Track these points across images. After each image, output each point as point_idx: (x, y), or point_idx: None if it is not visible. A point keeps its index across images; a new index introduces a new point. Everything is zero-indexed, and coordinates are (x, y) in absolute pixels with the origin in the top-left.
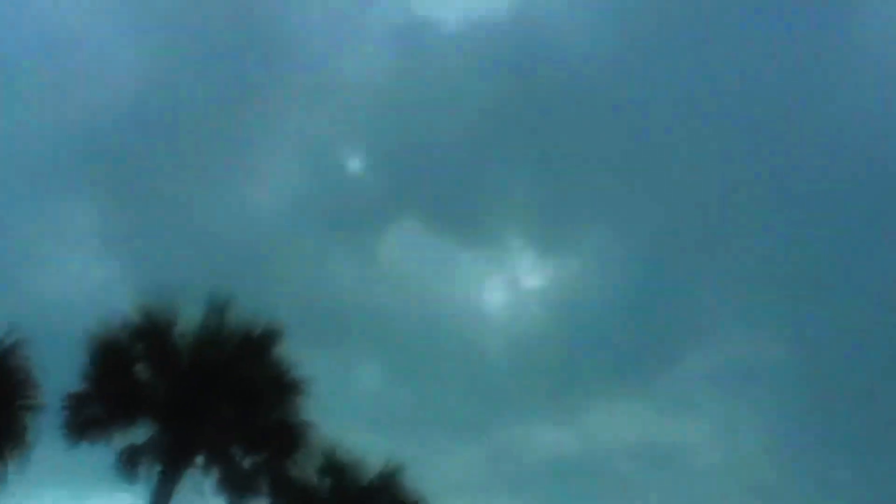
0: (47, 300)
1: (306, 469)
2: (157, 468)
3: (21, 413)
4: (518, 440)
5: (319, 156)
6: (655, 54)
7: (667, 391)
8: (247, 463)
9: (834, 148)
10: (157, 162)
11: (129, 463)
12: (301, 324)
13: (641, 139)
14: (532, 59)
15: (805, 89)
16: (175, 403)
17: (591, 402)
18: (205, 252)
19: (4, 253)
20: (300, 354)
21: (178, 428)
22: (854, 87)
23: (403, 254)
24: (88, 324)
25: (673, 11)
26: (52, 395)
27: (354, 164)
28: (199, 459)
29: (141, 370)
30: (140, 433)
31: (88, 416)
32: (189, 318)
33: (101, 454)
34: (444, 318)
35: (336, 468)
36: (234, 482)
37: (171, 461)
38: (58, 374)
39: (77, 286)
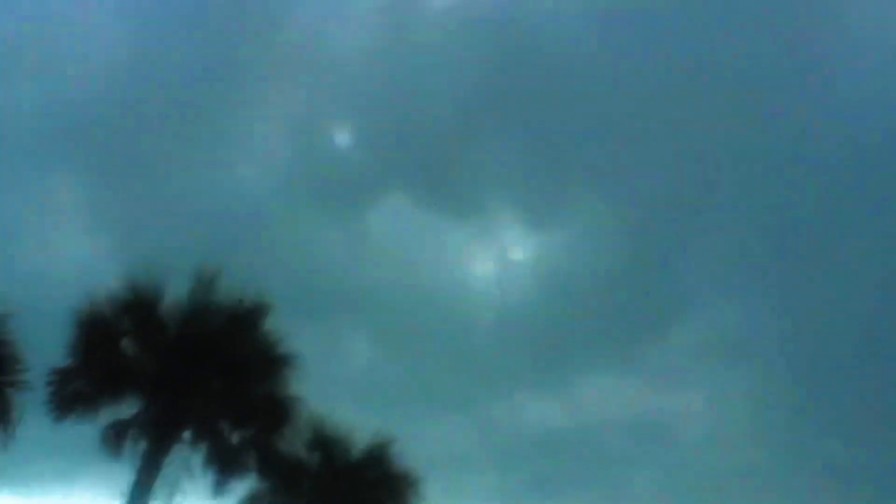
0: (34, 275)
1: (295, 444)
2: (144, 444)
3: (5, 390)
4: (507, 413)
5: (307, 130)
6: (645, 24)
7: (656, 364)
8: (235, 438)
9: (821, 117)
10: (145, 137)
11: (115, 438)
12: (289, 298)
13: (630, 111)
14: (520, 32)
15: (790, 57)
16: (162, 378)
17: (580, 375)
18: (193, 227)
19: None
20: (288, 329)
21: (165, 403)
22: (841, 54)
23: (392, 228)
24: (75, 299)
25: None
26: (38, 372)
27: (343, 139)
28: (187, 435)
29: (128, 345)
30: (126, 408)
31: (74, 392)
32: (177, 292)
33: (87, 430)
34: (433, 291)
35: (325, 443)
36: (221, 457)
37: (157, 436)
38: (44, 350)
39: (64, 261)
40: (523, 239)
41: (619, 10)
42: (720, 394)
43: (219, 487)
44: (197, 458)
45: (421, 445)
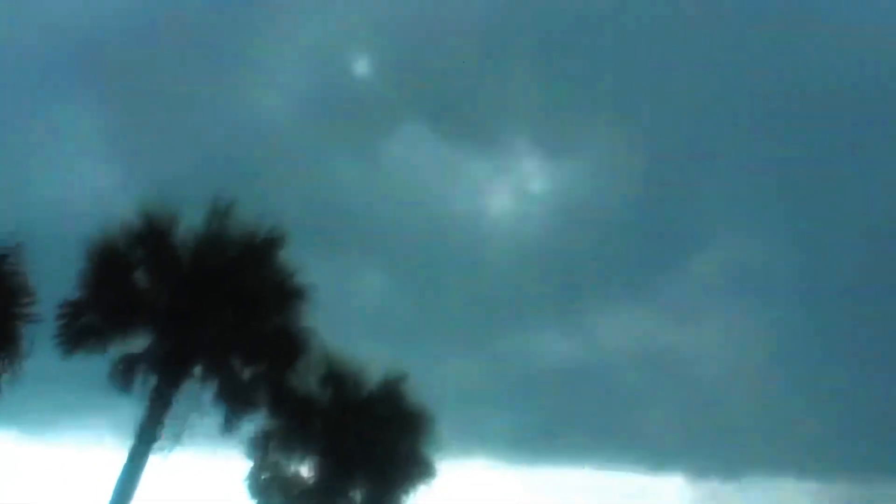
0: (47, 204)
1: (307, 380)
2: (154, 379)
3: (14, 322)
4: (521, 349)
5: (325, 58)
6: None
7: (671, 298)
8: (246, 373)
9: (834, 55)
10: (161, 65)
11: (124, 373)
12: (304, 229)
13: (647, 42)
14: None
15: None
16: (174, 311)
17: (596, 309)
18: (209, 156)
19: (4, 156)
20: (302, 261)
21: (176, 337)
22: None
23: (408, 158)
24: (88, 228)
25: None
26: (50, 303)
27: (360, 67)
28: (197, 370)
29: (140, 277)
30: (137, 342)
31: (84, 325)
32: (190, 223)
33: (96, 364)
34: (448, 223)
35: (337, 378)
36: (232, 393)
37: (168, 371)
38: (56, 281)
39: (79, 190)
40: (540, 171)
41: None
42: (736, 328)
43: (229, 424)
44: (207, 393)
45: (434, 380)
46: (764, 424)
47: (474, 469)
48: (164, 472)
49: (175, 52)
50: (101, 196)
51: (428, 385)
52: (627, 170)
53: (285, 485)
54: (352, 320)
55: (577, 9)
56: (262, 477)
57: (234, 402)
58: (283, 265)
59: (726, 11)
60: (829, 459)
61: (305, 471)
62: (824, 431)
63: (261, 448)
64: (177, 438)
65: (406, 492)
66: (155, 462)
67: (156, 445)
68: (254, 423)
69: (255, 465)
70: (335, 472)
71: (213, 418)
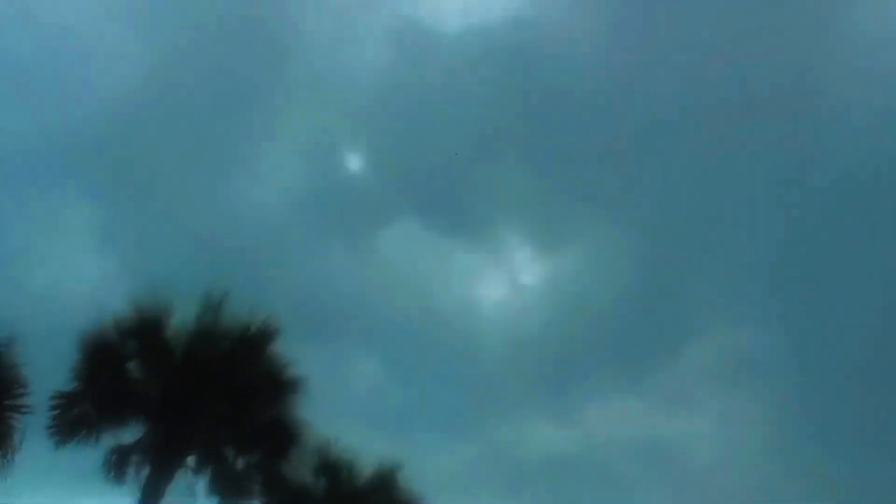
0: (40, 296)
1: (301, 469)
2: (147, 469)
3: (7, 413)
4: (515, 438)
5: (318, 153)
6: (653, 53)
7: (665, 386)
8: (240, 463)
9: (829, 143)
10: (156, 158)
11: (118, 463)
12: (298, 321)
13: (638, 136)
14: (529, 59)
15: (802, 86)
16: (167, 401)
17: (589, 398)
18: (203, 249)
19: None
20: (296, 352)
21: (169, 427)
22: (850, 82)
23: (401, 251)
24: (81, 321)
25: (671, 13)
26: (43, 395)
27: (353, 163)
28: (191, 459)
29: (133, 368)
30: (130, 433)
31: (77, 415)
32: (183, 315)
33: (89, 455)
34: (442, 315)
35: (331, 468)
36: (226, 483)
37: (161, 461)
38: (51, 373)
39: (72, 283)
40: (533, 263)
41: (632, 37)
42: (730, 415)
43: None
44: (201, 483)
45: (429, 470)
46: None
47: None
48: None
49: (169, 146)
50: (95, 288)
51: (422, 473)
52: (619, 260)
53: None
54: (346, 409)
55: (566, 103)
56: None
57: (228, 493)
58: (277, 356)
59: (714, 108)
60: None
61: None
62: None
63: None
64: None
65: None
66: None
67: None
68: None
69: None
70: None
71: None
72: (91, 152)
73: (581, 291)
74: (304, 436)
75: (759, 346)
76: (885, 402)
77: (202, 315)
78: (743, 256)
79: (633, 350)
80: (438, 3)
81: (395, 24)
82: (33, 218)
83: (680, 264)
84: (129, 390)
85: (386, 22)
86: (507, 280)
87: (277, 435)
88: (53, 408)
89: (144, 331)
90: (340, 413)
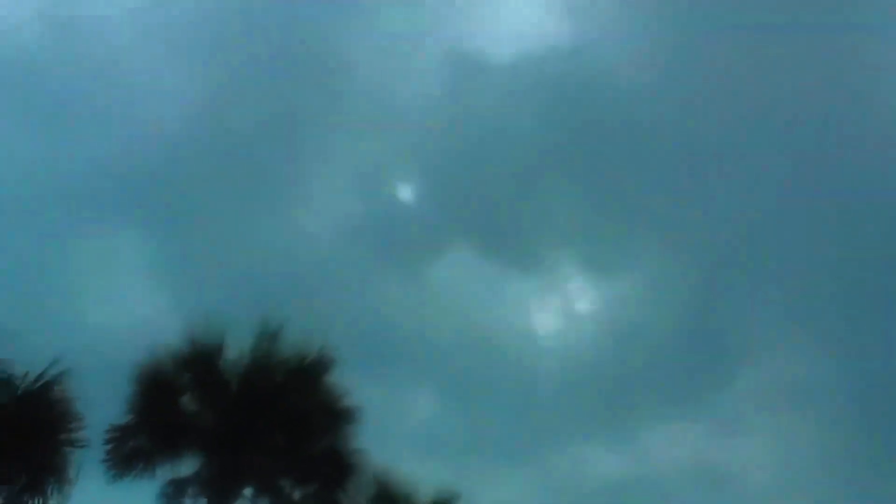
0: (96, 331)
1: (358, 499)
2: (204, 501)
3: (62, 447)
4: (572, 464)
5: (372, 183)
6: (706, 78)
7: (721, 411)
8: (297, 494)
9: (883, 161)
10: (209, 190)
11: (173, 496)
12: (354, 351)
13: (691, 161)
14: (580, 87)
15: (857, 107)
16: (222, 434)
17: (646, 424)
18: (257, 281)
19: (54, 284)
20: (352, 382)
21: (225, 459)
22: None
23: (456, 280)
24: (136, 354)
25: (724, 37)
26: (98, 429)
27: (406, 192)
28: (248, 491)
29: (188, 401)
30: (186, 466)
31: (132, 449)
32: (238, 346)
33: (145, 488)
34: (497, 343)
35: (388, 498)
36: None
37: (218, 493)
38: (104, 406)
39: (126, 317)
40: (587, 290)
41: (684, 61)
42: (785, 440)
43: None
44: None
45: (486, 498)
46: None
47: None
48: None
49: (221, 179)
50: (149, 322)
51: (479, 502)
52: (674, 286)
53: None
54: (402, 439)
55: (618, 129)
56: None
57: None
58: (333, 387)
59: (769, 129)
60: None
61: None
62: None
63: None
64: None
65: None
66: None
67: None
68: None
69: None
70: None
71: None
72: (143, 186)
73: (636, 318)
74: (360, 466)
75: (813, 369)
76: None
77: (257, 346)
78: (797, 280)
79: (688, 376)
80: (489, 33)
81: (447, 55)
82: (87, 253)
83: (734, 288)
84: (184, 422)
85: (438, 52)
86: (561, 308)
87: (334, 465)
88: (108, 441)
89: (199, 363)
90: (397, 443)
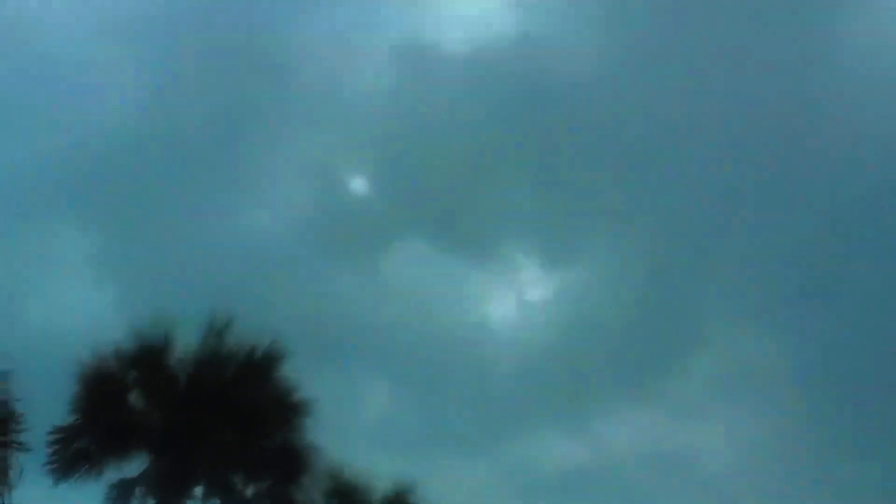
0: (39, 330)
1: (312, 494)
2: (153, 501)
3: (4, 450)
4: (528, 453)
5: (322, 176)
6: (656, 66)
7: (675, 397)
8: (249, 491)
9: (835, 149)
10: (156, 185)
11: (120, 498)
12: (307, 344)
13: (642, 148)
14: (533, 76)
15: (805, 91)
16: (171, 432)
17: (601, 411)
18: (205, 276)
19: None
20: (305, 375)
21: (174, 457)
22: (855, 89)
23: (408, 272)
24: (80, 353)
25: (675, 26)
26: (41, 431)
27: (358, 184)
28: (198, 490)
29: (135, 399)
30: (133, 466)
31: (77, 450)
32: (186, 342)
33: (90, 490)
34: (451, 334)
35: (344, 492)
36: None
37: (167, 493)
38: (49, 407)
39: (70, 315)
40: (541, 280)
41: (633, 54)
42: (740, 424)
43: None
44: None
45: (443, 489)
46: None
47: None
48: None
49: (167, 173)
50: (94, 320)
51: (436, 494)
52: (626, 275)
53: None
54: (357, 432)
55: (568, 118)
56: None
57: None
58: (285, 380)
59: (720, 112)
60: None
61: None
62: None
63: None
64: None
65: None
66: None
67: None
68: None
69: None
70: None
71: None
72: (89, 181)
73: (589, 305)
74: (314, 460)
75: (767, 356)
76: (894, 409)
77: (205, 341)
78: (749, 266)
79: (643, 362)
80: (440, 22)
81: (399, 44)
82: (27, 250)
83: (687, 275)
84: (131, 421)
85: (389, 43)
86: (515, 298)
87: (287, 460)
88: (52, 443)
89: (146, 359)
90: (352, 436)
